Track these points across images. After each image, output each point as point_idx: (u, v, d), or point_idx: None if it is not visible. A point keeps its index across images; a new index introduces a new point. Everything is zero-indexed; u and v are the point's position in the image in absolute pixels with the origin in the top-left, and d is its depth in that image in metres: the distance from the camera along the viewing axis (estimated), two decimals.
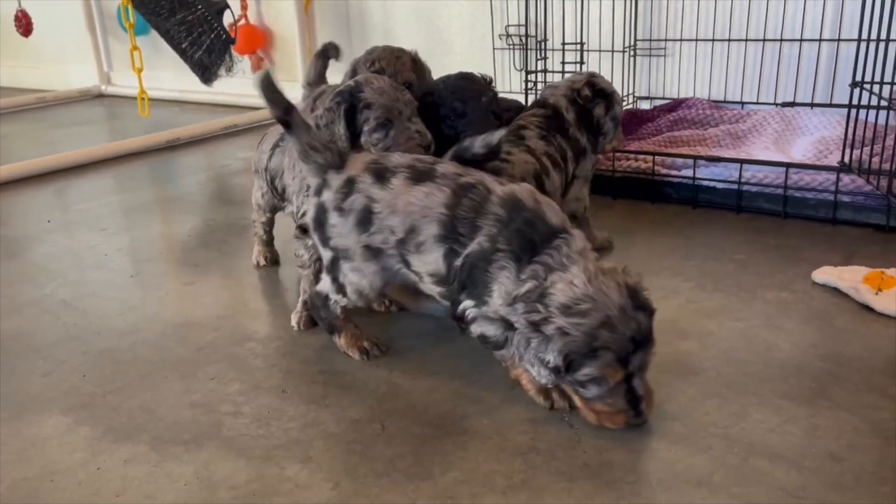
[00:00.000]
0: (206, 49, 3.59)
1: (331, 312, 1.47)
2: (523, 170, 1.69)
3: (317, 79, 2.34)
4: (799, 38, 2.71)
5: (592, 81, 1.91)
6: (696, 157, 2.28)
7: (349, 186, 1.38)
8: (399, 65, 1.92)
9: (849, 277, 1.66)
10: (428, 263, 1.33)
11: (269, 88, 1.39)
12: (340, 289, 1.43)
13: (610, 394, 1.17)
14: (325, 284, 1.46)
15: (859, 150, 2.04)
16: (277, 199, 1.81)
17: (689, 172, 2.28)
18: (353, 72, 1.97)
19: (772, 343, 1.46)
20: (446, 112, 1.72)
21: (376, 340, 1.50)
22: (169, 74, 4.48)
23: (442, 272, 1.32)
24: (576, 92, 1.88)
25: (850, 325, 1.52)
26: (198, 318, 1.71)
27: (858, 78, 1.94)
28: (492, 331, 1.29)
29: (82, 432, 1.29)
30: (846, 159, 2.04)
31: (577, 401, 1.23)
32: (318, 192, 1.42)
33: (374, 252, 1.37)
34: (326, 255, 1.43)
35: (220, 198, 2.72)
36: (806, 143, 2.46)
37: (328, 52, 2.35)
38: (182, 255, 2.14)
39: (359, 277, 1.40)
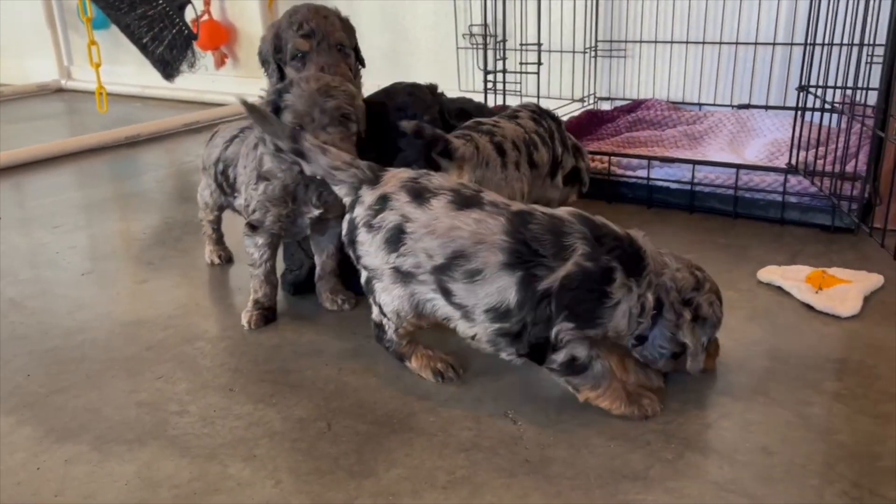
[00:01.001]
0: (168, 45, 3.55)
1: (391, 340, 1.38)
2: (514, 134, 1.79)
3: None
4: (754, 41, 2.77)
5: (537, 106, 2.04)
6: (650, 158, 2.31)
7: (382, 203, 1.31)
8: (328, 25, 1.71)
9: (792, 276, 1.71)
10: (488, 295, 1.22)
11: (260, 118, 1.38)
12: (380, 309, 1.36)
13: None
14: (374, 309, 1.39)
15: (806, 153, 2.09)
16: (228, 190, 1.76)
17: (644, 173, 2.31)
18: (276, 36, 1.74)
19: None
20: (388, 126, 1.72)
21: (452, 362, 1.40)
22: (130, 70, 4.43)
23: (508, 304, 1.21)
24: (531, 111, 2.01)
25: (790, 322, 1.56)
26: (149, 316, 1.70)
27: (805, 82, 1.98)
28: (583, 352, 1.22)
29: (24, 432, 1.28)
30: (793, 161, 2.08)
31: (702, 362, 1.29)
32: (351, 209, 1.36)
33: (402, 276, 1.30)
34: (362, 274, 1.37)
35: (179, 195, 2.69)
36: (759, 145, 2.51)
37: None
38: (137, 253, 2.12)
39: (389, 298, 1.33)
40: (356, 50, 1.79)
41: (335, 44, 1.71)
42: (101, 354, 1.54)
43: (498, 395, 1.34)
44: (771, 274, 1.74)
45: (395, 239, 1.28)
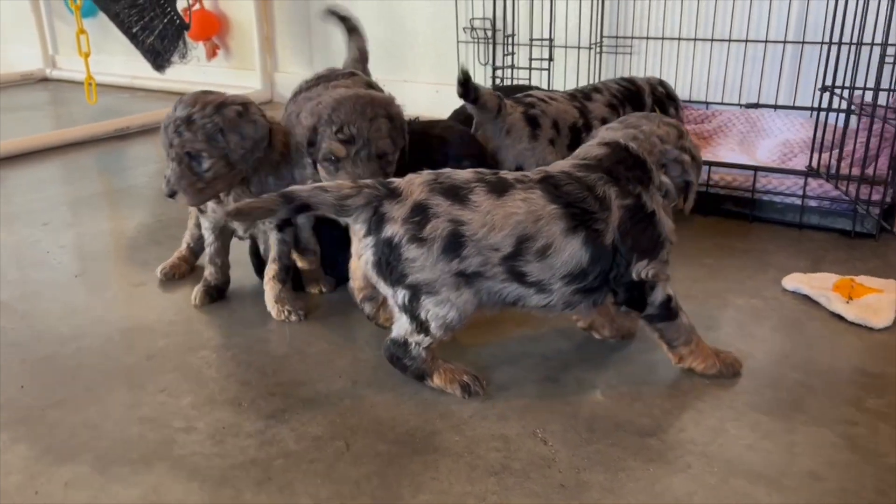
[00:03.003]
0: (159, 34, 3.44)
1: (415, 358, 1.30)
2: (556, 115, 1.88)
3: (354, 62, 2.16)
4: (764, 39, 2.71)
5: (665, 84, 2.20)
6: None
7: (421, 213, 1.22)
8: (373, 131, 1.52)
9: (818, 285, 1.65)
10: (565, 264, 1.25)
11: (245, 215, 1.28)
12: (422, 327, 1.27)
13: None
14: (402, 328, 1.29)
15: (827, 155, 2.04)
16: None
17: None
18: (313, 130, 1.55)
19: (745, 353, 1.43)
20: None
21: (476, 374, 1.33)
22: (119, 59, 4.30)
23: (583, 264, 1.26)
24: (653, 86, 2.14)
25: (821, 333, 1.51)
26: (147, 322, 1.61)
27: (828, 82, 1.93)
28: (671, 290, 1.33)
29: (19, 451, 1.19)
30: (814, 164, 2.03)
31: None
32: (376, 230, 1.24)
33: (467, 278, 1.24)
34: (400, 294, 1.25)
35: None
36: (770, 146, 2.46)
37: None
38: (130, 252, 2.02)
39: (446, 310, 1.25)
40: (403, 150, 1.59)
41: (377, 153, 1.51)
42: (99, 363, 1.45)
43: (524, 412, 1.27)
44: (797, 282, 1.68)
45: (455, 245, 1.22)
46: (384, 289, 1.28)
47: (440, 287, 1.23)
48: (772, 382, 1.34)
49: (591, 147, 1.38)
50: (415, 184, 1.26)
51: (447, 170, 1.31)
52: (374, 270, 1.26)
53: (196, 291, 1.68)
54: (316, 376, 1.39)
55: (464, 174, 1.29)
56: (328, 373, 1.41)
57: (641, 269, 1.29)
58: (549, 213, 1.24)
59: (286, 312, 1.60)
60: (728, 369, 1.35)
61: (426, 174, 1.29)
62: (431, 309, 1.25)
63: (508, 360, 1.43)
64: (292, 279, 1.68)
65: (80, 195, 2.52)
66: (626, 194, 1.29)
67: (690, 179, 1.38)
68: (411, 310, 1.26)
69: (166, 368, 1.43)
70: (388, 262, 1.23)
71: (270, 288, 1.63)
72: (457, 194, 1.24)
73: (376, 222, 1.24)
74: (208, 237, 1.69)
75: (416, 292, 1.24)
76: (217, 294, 1.70)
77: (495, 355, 1.45)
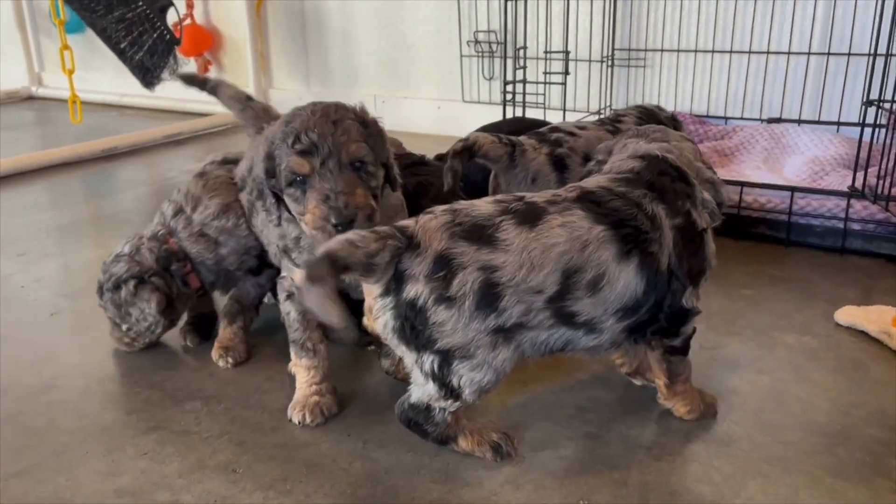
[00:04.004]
0: (148, 50, 3.28)
1: (438, 423, 1.13)
2: (587, 148, 1.63)
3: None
4: (786, 51, 2.57)
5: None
6: None
7: (445, 265, 1.02)
8: (339, 135, 1.18)
9: (876, 319, 1.49)
10: (619, 297, 1.08)
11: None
12: (452, 393, 1.08)
13: None
14: (426, 393, 1.10)
15: (874, 176, 1.88)
16: None
17: None
18: (269, 156, 1.23)
19: (807, 402, 1.27)
20: None
21: (506, 430, 1.17)
22: (106, 76, 4.15)
23: (636, 295, 1.10)
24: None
25: (889, 377, 1.34)
26: (129, 369, 1.44)
27: (876, 96, 1.78)
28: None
29: None
30: (857, 184, 1.87)
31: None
32: (396, 290, 1.04)
33: (506, 333, 1.06)
34: (428, 361, 1.06)
35: None
36: (798, 163, 2.31)
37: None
38: None
39: (482, 373, 1.06)
40: (387, 166, 1.26)
41: (350, 160, 1.17)
42: (73, 422, 1.27)
43: (564, 478, 1.09)
44: (851, 317, 1.52)
45: (489, 297, 1.02)
46: (406, 354, 1.08)
47: (475, 350, 1.04)
48: (843, 439, 1.17)
49: (623, 160, 1.22)
50: (431, 229, 1.05)
51: (462, 204, 1.10)
52: (396, 336, 1.06)
53: (182, 331, 1.56)
54: (321, 435, 1.22)
55: (484, 207, 1.08)
56: (335, 430, 1.23)
57: (689, 297, 1.16)
58: (597, 236, 1.07)
59: (220, 353, 1.47)
60: (709, 410, 1.25)
61: (441, 214, 1.08)
62: (466, 375, 1.06)
63: (540, 412, 1.26)
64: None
65: (63, 221, 2.35)
66: (676, 212, 1.15)
67: (723, 200, 1.25)
68: (441, 377, 1.06)
69: (149, 426, 1.25)
70: (413, 328, 1.04)
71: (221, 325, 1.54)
72: (482, 235, 1.04)
73: (395, 280, 1.04)
74: None
75: (447, 358, 1.05)
76: (206, 323, 1.59)
77: (524, 406, 1.28)
